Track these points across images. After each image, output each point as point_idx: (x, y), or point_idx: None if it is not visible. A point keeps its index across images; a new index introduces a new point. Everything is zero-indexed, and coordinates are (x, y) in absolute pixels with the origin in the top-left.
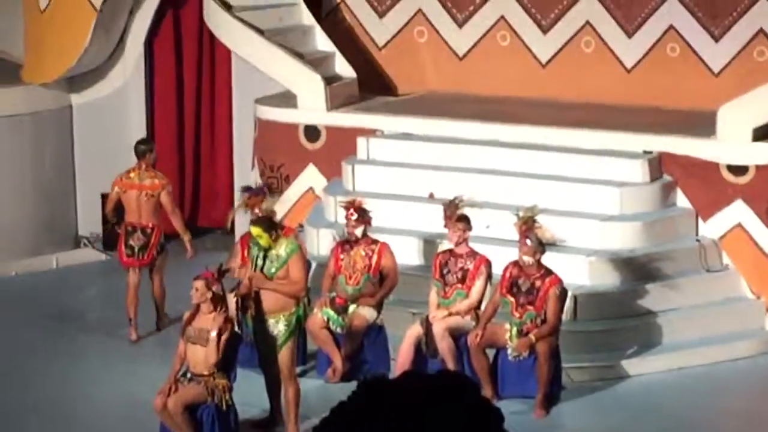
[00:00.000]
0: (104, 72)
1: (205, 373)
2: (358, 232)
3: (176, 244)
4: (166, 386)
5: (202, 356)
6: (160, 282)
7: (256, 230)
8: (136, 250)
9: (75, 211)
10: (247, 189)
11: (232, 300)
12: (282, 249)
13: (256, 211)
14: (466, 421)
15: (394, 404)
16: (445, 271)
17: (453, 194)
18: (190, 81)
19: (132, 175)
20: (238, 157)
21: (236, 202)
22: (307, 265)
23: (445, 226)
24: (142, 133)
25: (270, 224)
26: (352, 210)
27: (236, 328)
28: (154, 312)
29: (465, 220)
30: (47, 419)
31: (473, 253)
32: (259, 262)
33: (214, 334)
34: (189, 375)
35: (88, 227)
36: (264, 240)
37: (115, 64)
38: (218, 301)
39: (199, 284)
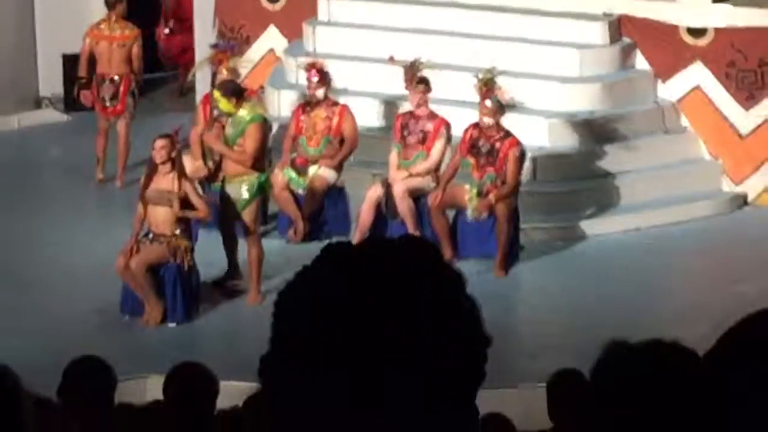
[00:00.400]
0: None
1: (167, 233)
2: (320, 93)
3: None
4: (128, 246)
5: (163, 215)
6: (125, 132)
7: (216, 93)
8: (107, 99)
9: (36, 71)
10: (215, 45)
11: (192, 162)
12: (245, 114)
13: (222, 68)
14: (430, 287)
15: (356, 272)
16: (405, 133)
17: (413, 56)
18: None
19: (103, 26)
20: (199, 17)
21: (198, 60)
22: (266, 135)
23: (406, 88)
24: None
25: (233, 89)
26: (313, 71)
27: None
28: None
29: (425, 82)
30: (8, 282)
31: (433, 115)
32: (226, 126)
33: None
34: (151, 235)
35: (50, 88)
36: (223, 104)
37: None
38: (177, 161)
39: (163, 142)
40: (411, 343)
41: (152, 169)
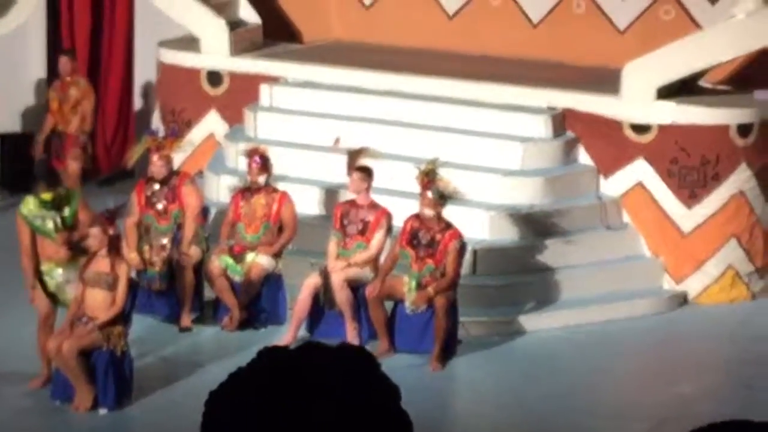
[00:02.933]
0: (2, 11)
1: (103, 317)
2: (261, 179)
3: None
4: (62, 329)
5: (100, 300)
6: None
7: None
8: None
9: None
10: (151, 132)
11: (128, 252)
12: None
13: (161, 154)
14: (366, 398)
15: (292, 379)
16: (345, 222)
17: (356, 144)
18: (92, 21)
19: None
20: (139, 100)
21: (138, 144)
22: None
23: (348, 174)
24: (42, 72)
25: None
26: (256, 157)
27: (133, 275)
28: None
29: (366, 170)
30: None
31: (374, 205)
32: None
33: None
34: (85, 319)
35: None
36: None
37: (14, 2)
38: (114, 243)
39: (95, 231)
40: None
41: (91, 253)
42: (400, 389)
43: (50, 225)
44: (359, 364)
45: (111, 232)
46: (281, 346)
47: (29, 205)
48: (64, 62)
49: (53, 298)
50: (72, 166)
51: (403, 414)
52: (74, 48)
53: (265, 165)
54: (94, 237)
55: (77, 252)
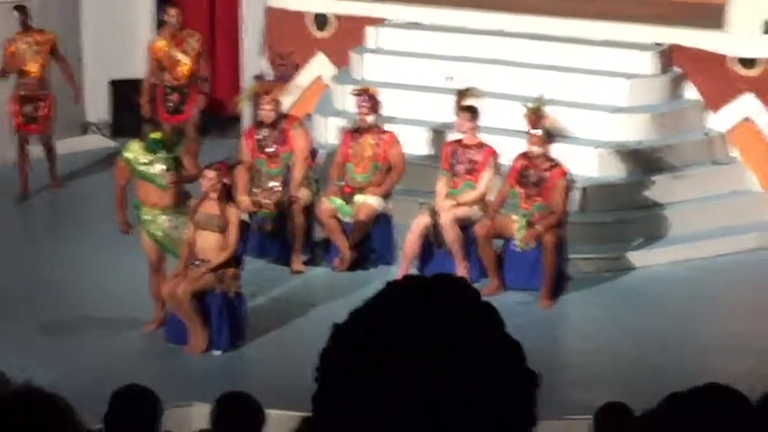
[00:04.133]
0: None
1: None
2: (370, 119)
3: None
4: (176, 272)
5: (212, 242)
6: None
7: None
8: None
9: (83, 97)
10: (258, 77)
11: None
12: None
13: (273, 97)
14: (474, 330)
15: (410, 315)
16: (453, 162)
17: (463, 84)
18: None
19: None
20: (247, 44)
21: (244, 89)
22: None
23: (456, 114)
24: (150, 19)
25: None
26: (365, 96)
27: (245, 217)
28: None
29: (472, 110)
30: (54, 309)
31: (482, 145)
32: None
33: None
34: (197, 262)
35: (96, 114)
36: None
37: None
38: (228, 191)
39: (211, 174)
40: (461, 387)
41: (203, 195)
42: (510, 326)
43: (154, 169)
44: (465, 295)
45: (226, 180)
46: (405, 278)
47: (134, 148)
48: (172, 13)
49: (160, 244)
50: (195, 115)
51: (513, 340)
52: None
53: (374, 105)
54: (209, 179)
55: (182, 197)
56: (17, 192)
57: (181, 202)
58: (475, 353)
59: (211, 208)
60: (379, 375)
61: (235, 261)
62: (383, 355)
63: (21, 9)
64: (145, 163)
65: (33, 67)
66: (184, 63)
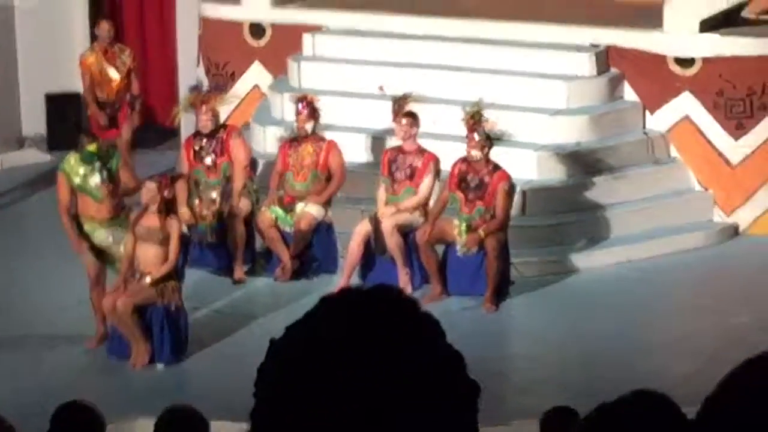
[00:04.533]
0: None
1: (155, 273)
2: (308, 127)
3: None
4: (116, 286)
5: (152, 255)
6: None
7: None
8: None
9: (18, 111)
10: (194, 88)
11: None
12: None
13: (206, 108)
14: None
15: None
16: (393, 168)
17: (400, 90)
18: None
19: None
20: (183, 54)
21: (181, 100)
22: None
23: (393, 121)
24: (85, 33)
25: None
26: (303, 103)
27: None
28: None
29: (412, 116)
30: None
31: (422, 150)
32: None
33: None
34: (138, 275)
35: (32, 127)
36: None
37: None
38: (169, 204)
39: (151, 186)
40: (399, 401)
41: (144, 207)
42: (454, 332)
43: (93, 181)
44: (402, 303)
45: (167, 193)
46: (341, 291)
47: (71, 161)
48: (105, 28)
49: (99, 257)
50: (126, 131)
51: (451, 347)
52: (113, 12)
53: (312, 112)
54: (148, 191)
55: (120, 210)
56: None
57: (120, 215)
58: (413, 365)
59: (151, 221)
60: (316, 390)
61: (176, 273)
62: (320, 371)
63: None
64: (82, 175)
65: None
66: (115, 79)
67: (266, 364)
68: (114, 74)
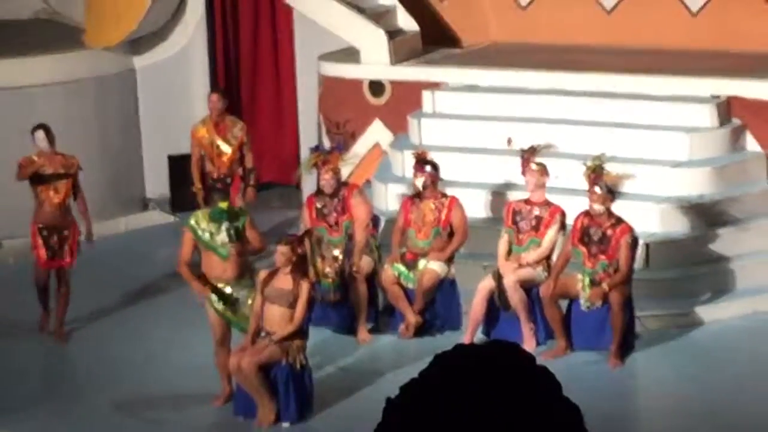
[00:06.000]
0: (166, 34)
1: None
2: (419, 182)
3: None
4: (244, 345)
5: (278, 314)
6: None
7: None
8: None
9: (142, 173)
10: (316, 148)
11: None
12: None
13: (327, 168)
14: (528, 396)
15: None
16: (518, 219)
17: (524, 144)
18: (252, 38)
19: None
20: (303, 113)
21: (302, 159)
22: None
23: (523, 173)
24: (205, 94)
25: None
26: (417, 161)
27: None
28: None
29: (542, 165)
30: (120, 383)
31: (548, 203)
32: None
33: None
34: (264, 334)
35: (156, 189)
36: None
37: (177, 24)
38: (300, 262)
39: (285, 249)
40: None
41: (273, 268)
42: (579, 387)
43: (220, 239)
44: (519, 360)
45: (299, 251)
46: (455, 348)
47: (198, 217)
48: (214, 100)
49: (224, 317)
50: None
51: (568, 401)
52: (225, 86)
53: (428, 167)
54: (282, 254)
55: (246, 269)
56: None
57: (245, 275)
58: (529, 421)
59: (283, 282)
60: None
61: (300, 332)
62: (438, 429)
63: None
64: (209, 232)
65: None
66: (226, 153)
67: (382, 425)
68: (225, 148)
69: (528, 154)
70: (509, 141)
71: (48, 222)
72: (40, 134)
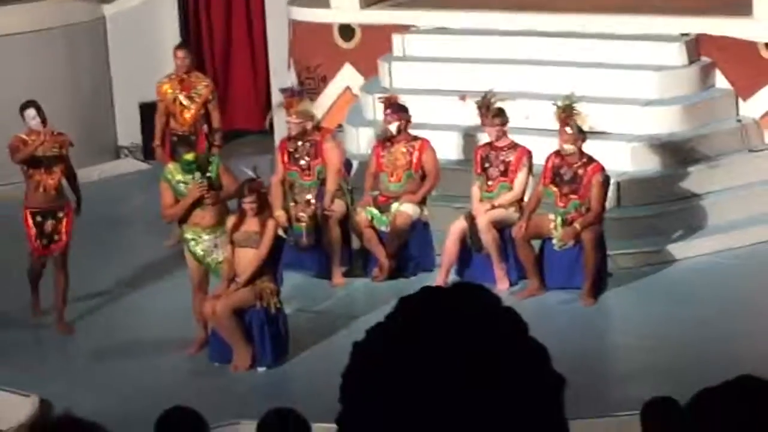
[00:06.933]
0: None
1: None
2: (393, 127)
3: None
4: (217, 291)
5: (249, 259)
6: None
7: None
8: None
9: (113, 121)
10: (284, 90)
11: (281, 213)
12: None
13: (291, 112)
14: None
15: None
16: (486, 165)
17: (485, 89)
18: None
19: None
20: (274, 58)
21: (273, 104)
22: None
23: (482, 124)
24: (176, 40)
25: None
26: (386, 105)
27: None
28: None
29: (501, 114)
30: (95, 333)
31: (514, 145)
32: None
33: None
34: (237, 279)
35: (128, 137)
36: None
37: None
38: (262, 201)
39: (250, 198)
40: (483, 396)
41: (241, 212)
42: (553, 326)
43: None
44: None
45: (262, 191)
46: (420, 290)
47: (170, 171)
48: (179, 56)
49: (202, 263)
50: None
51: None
52: (190, 41)
53: (398, 111)
54: (250, 205)
55: (225, 215)
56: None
57: (224, 221)
58: (496, 360)
59: (250, 225)
60: (400, 391)
61: (273, 276)
62: (402, 371)
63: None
64: (183, 183)
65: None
66: (188, 108)
67: (350, 368)
68: (188, 104)
69: (484, 106)
70: (463, 98)
71: (42, 205)
72: (31, 112)
